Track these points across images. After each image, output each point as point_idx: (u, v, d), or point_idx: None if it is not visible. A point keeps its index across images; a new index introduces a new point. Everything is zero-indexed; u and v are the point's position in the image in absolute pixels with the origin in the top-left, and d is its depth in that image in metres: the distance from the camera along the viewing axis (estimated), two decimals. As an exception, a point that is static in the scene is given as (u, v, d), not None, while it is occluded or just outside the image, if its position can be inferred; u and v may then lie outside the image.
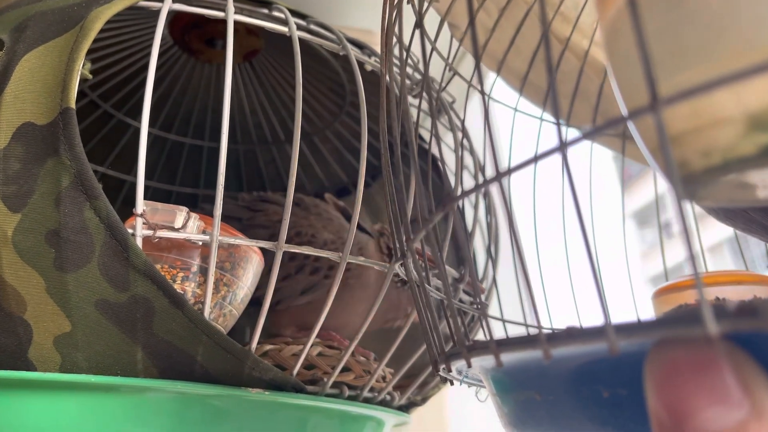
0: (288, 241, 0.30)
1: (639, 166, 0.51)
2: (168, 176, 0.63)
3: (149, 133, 0.60)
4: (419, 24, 0.29)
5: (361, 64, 0.41)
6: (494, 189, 0.47)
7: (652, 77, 0.12)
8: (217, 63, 0.59)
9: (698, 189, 0.14)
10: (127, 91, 0.57)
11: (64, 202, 0.28)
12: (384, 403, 0.38)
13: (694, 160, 0.13)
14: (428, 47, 0.32)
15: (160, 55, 0.56)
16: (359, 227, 0.48)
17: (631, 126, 0.16)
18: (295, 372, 0.33)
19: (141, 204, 0.29)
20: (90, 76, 0.31)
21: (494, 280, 0.41)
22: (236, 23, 0.37)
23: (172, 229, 0.30)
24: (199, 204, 0.64)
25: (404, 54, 0.29)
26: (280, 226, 0.30)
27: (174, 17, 0.53)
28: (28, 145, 0.29)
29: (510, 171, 0.16)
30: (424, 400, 0.42)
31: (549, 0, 0.43)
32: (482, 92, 0.26)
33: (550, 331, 0.38)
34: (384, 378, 0.38)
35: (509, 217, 0.17)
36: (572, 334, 0.14)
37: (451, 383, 0.27)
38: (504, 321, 0.37)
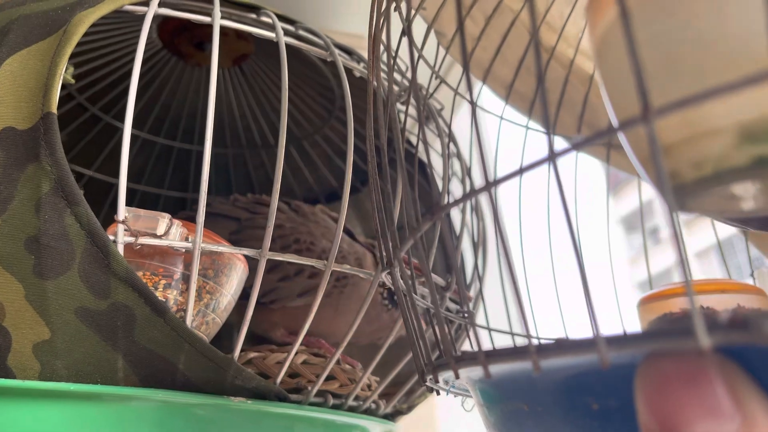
0: (287, 248, 0.30)
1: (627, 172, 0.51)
2: (157, 180, 0.62)
3: (137, 137, 0.60)
4: (407, 31, 0.29)
5: (349, 71, 0.41)
6: (483, 198, 0.47)
7: (644, 88, 0.12)
8: (207, 66, 0.58)
9: (688, 200, 0.14)
10: (115, 94, 0.56)
11: (44, 208, 0.28)
12: (369, 412, 0.38)
13: (686, 171, 0.13)
14: (416, 55, 0.32)
15: (149, 59, 0.56)
16: (356, 239, 0.48)
17: (622, 137, 0.16)
18: (278, 381, 0.33)
19: (123, 210, 0.29)
20: (72, 81, 0.31)
21: (480, 290, 0.41)
22: (226, 28, 0.37)
23: (155, 236, 0.29)
24: (190, 207, 0.63)
25: (392, 60, 0.29)
26: (279, 232, 0.30)
27: (163, 21, 0.53)
28: (8, 150, 0.28)
29: (498, 181, 0.16)
30: (410, 408, 0.42)
31: (535, 9, 0.43)
32: (472, 102, 0.26)
33: (538, 341, 0.38)
34: (369, 386, 0.38)
35: (498, 227, 0.17)
36: (562, 346, 0.14)
37: (437, 393, 0.27)
38: (490, 330, 0.36)
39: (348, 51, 0.42)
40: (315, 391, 0.34)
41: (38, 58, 0.30)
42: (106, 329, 0.29)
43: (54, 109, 0.29)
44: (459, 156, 0.44)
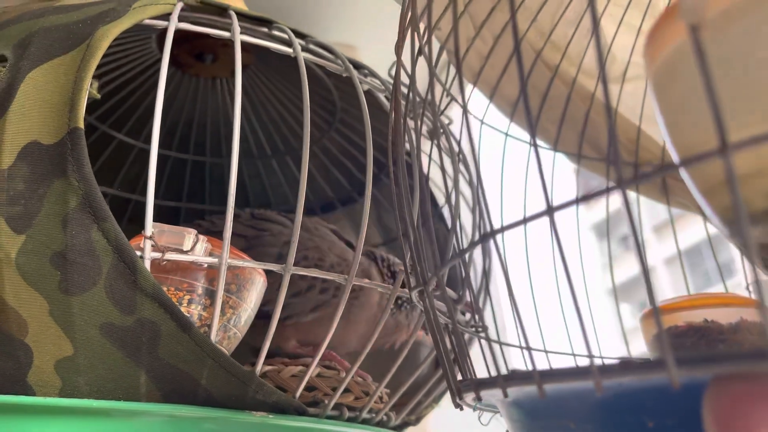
0: (296, 264, 0.31)
1: (599, 180, 0.52)
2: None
3: (133, 146, 0.59)
4: (421, 50, 0.30)
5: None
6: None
7: (721, 122, 0.12)
8: (205, 77, 0.58)
9: (757, 227, 0.15)
10: (110, 105, 0.56)
11: (71, 223, 0.28)
12: (381, 424, 0.38)
13: (757, 201, 0.14)
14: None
15: (147, 69, 0.56)
16: (353, 248, 0.48)
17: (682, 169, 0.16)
18: (297, 394, 0.33)
19: (150, 226, 0.29)
20: (98, 96, 0.30)
21: (491, 304, 0.42)
22: (228, 39, 0.37)
23: (181, 251, 0.29)
24: (183, 217, 0.63)
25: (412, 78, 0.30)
26: (288, 248, 0.30)
27: (163, 31, 0.53)
28: (34, 165, 0.28)
29: (501, 229, 0.16)
30: (417, 420, 0.43)
31: (540, 28, 0.44)
32: (481, 120, 0.27)
33: (601, 361, 0.39)
34: (381, 399, 0.39)
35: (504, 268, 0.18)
36: (628, 367, 0.15)
37: (461, 409, 0.27)
38: (501, 344, 0.37)
39: (357, 66, 0.43)
40: (332, 404, 0.34)
41: (62, 72, 0.30)
42: (130, 345, 0.29)
43: (81, 124, 0.29)
44: (467, 167, 0.44)
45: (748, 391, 0.13)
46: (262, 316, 0.35)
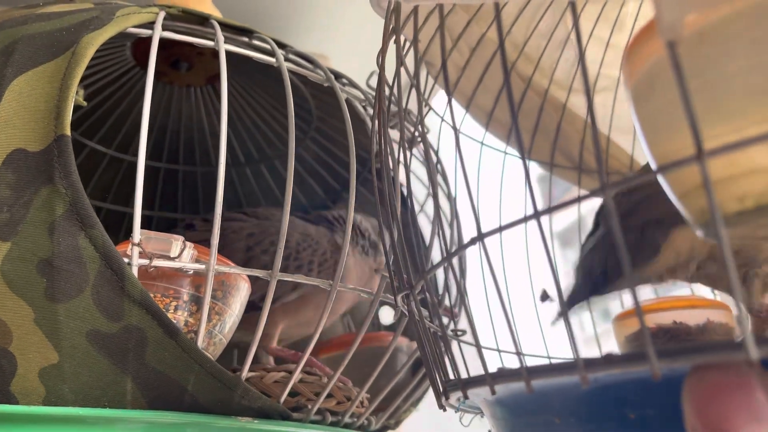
0: (266, 252, 0.31)
1: (563, 187, 0.54)
2: (124, 197, 0.61)
3: (104, 154, 0.59)
4: (402, 62, 0.31)
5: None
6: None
7: (697, 132, 0.14)
8: (180, 85, 0.58)
9: (729, 229, 0.16)
10: (83, 113, 0.55)
11: (58, 230, 0.28)
12: (362, 428, 0.39)
13: (729, 204, 0.16)
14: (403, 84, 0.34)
15: (121, 76, 0.55)
16: (307, 219, 0.50)
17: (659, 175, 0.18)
18: (282, 399, 0.34)
19: (138, 233, 0.29)
20: (85, 103, 0.31)
21: (467, 307, 0.43)
22: (204, 47, 0.37)
23: (168, 258, 0.30)
24: (154, 226, 0.63)
25: (385, 90, 0.31)
26: (253, 240, 0.31)
27: (138, 38, 0.53)
28: (20, 172, 0.28)
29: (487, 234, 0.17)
30: (397, 423, 0.43)
31: (514, 41, 0.46)
32: (457, 129, 0.28)
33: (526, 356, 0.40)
34: (362, 403, 0.39)
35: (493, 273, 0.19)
36: (611, 360, 0.16)
37: (444, 410, 0.28)
38: (479, 347, 0.38)
39: (337, 76, 0.44)
40: (315, 409, 0.35)
41: (46, 80, 0.30)
42: (116, 352, 0.29)
43: (68, 131, 0.29)
44: (446, 180, 0.46)
45: (724, 380, 0.14)
46: (250, 307, 0.35)
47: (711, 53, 0.16)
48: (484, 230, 0.20)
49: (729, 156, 0.15)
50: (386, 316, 0.62)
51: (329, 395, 0.37)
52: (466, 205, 0.47)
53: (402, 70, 0.32)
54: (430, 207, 0.55)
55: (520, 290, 0.44)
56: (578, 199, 0.17)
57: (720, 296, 0.40)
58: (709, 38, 0.16)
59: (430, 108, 0.42)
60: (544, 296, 0.37)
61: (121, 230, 0.59)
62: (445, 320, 0.43)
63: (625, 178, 0.16)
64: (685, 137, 0.16)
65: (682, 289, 0.40)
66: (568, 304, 0.33)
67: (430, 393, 0.45)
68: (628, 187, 0.23)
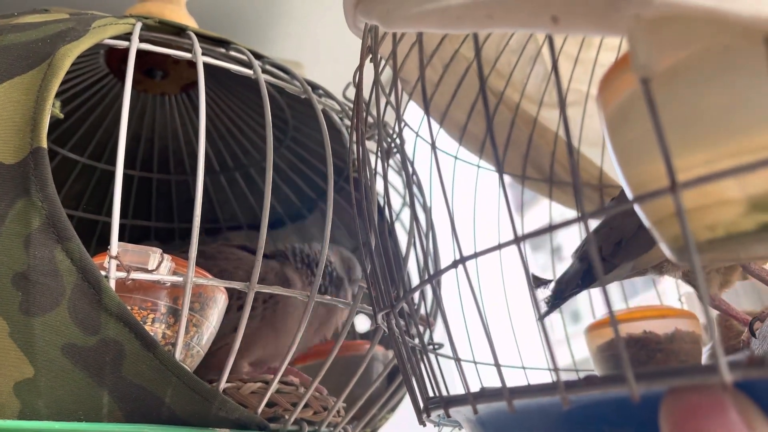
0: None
1: (530, 195, 0.56)
2: (96, 205, 0.60)
3: (76, 162, 0.58)
4: (377, 80, 0.32)
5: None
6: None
7: (671, 165, 0.14)
8: (154, 93, 0.58)
9: (701, 255, 0.17)
10: (55, 121, 0.55)
11: (34, 243, 0.28)
12: (338, 437, 0.39)
13: (700, 233, 0.16)
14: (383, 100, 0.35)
15: (94, 84, 0.55)
16: (265, 255, 0.48)
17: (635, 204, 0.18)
18: (259, 410, 0.34)
19: (116, 245, 0.29)
20: (61, 115, 0.30)
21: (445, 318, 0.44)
22: (179, 56, 0.37)
23: (146, 270, 0.30)
24: (128, 235, 0.62)
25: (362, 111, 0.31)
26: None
27: (111, 48, 0.52)
28: (-5, 185, 0.28)
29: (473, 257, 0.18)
30: (373, 431, 0.44)
31: (486, 57, 0.47)
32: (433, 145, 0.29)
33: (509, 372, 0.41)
34: (338, 413, 0.40)
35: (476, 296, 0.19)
36: (592, 382, 0.17)
37: (424, 425, 0.28)
38: (458, 360, 0.39)
39: (314, 87, 0.44)
40: (293, 419, 0.35)
41: (21, 91, 0.30)
42: (93, 365, 0.29)
43: (44, 144, 0.29)
44: (422, 192, 0.46)
45: (699, 401, 0.15)
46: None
47: (683, 89, 0.17)
48: (463, 248, 0.21)
49: (701, 188, 0.16)
50: (361, 324, 0.62)
51: (306, 405, 0.38)
52: (444, 220, 0.48)
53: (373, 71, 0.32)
54: (405, 217, 0.56)
55: (496, 302, 0.44)
56: (558, 226, 0.18)
57: (687, 305, 0.41)
58: (681, 75, 0.17)
59: (406, 124, 0.43)
60: (537, 281, 0.38)
61: (93, 239, 0.59)
62: (421, 329, 0.44)
63: (602, 207, 0.17)
64: (659, 167, 0.17)
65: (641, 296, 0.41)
66: (566, 286, 0.34)
67: (406, 400, 0.46)
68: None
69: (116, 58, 0.53)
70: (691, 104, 0.16)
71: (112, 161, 0.60)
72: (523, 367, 0.44)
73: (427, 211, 0.44)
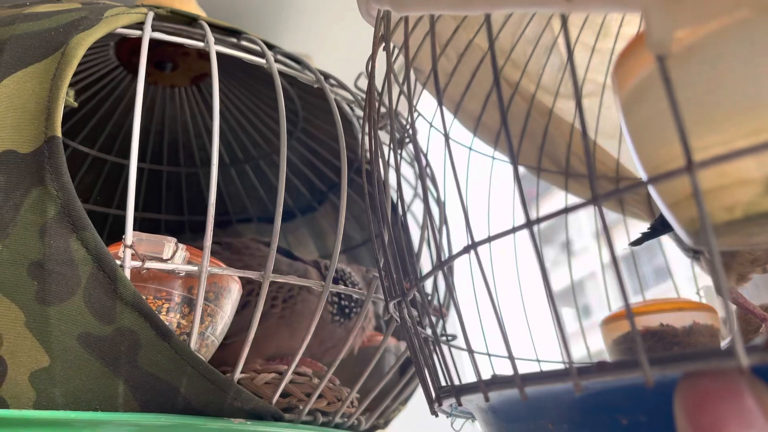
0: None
1: (544, 186, 0.55)
2: (106, 198, 0.60)
3: (86, 154, 0.58)
4: (390, 71, 0.32)
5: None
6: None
7: (687, 144, 0.14)
8: (163, 86, 0.58)
9: (718, 238, 0.17)
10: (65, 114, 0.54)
11: (50, 232, 0.28)
12: (352, 428, 0.39)
13: (718, 214, 0.16)
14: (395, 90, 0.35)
15: (104, 76, 0.55)
16: (295, 258, 0.48)
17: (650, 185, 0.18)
18: (274, 400, 0.34)
19: (131, 235, 0.29)
20: (75, 104, 0.30)
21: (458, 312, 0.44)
22: (189, 47, 0.37)
23: (161, 260, 0.29)
24: (138, 227, 0.62)
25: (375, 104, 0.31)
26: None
27: (121, 39, 0.52)
28: (10, 174, 0.28)
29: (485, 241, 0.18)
30: (386, 423, 0.43)
31: (501, 47, 0.46)
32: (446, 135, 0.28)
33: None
34: (352, 404, 0.39)
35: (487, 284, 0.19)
36: (605, 368, 0.16)
37: (437, 415, 0.28)
38: (471, 351, 0.39)
39: (326, 77, 0.44)
40: (307, 410, 0.35)
41: (36, 80, 0.30)
42: (108, 355, 0.29)
43: (59, 133, 0.28)
44: (434, 182, 0.46)
45: (715, 387, 0.15)
46: None
47: (700, 66, 0.16)
48: (475, 236, 0.21)
49: (718, 167, 0.16)
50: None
51: (320, 396, 0.37)
52: (456, 209, 0.48)
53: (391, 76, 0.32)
54: (416, 209, 0.56)
55: (508, 292, 0.44)
56: (565, 210, 0.17)
57: (705, 298, 0.41)
58: (698, 52, 0.16)
59: (419, 114, 0.43)
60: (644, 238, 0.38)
61: (103, 232, 0.59)
62: (434, 319, 0.43)
63: (618, 189, 0.16)
64: (675, 148, 0.16)
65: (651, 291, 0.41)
66: (661, 225, 0.35)
67: (418, 392, 0.46)
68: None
69: (126, 50, 0.53)
70: (709, 82, 0.16)
71: (122, 154, 0.60)
72: (538, 360, 0.44)
73: (440, 203, 0.44)
